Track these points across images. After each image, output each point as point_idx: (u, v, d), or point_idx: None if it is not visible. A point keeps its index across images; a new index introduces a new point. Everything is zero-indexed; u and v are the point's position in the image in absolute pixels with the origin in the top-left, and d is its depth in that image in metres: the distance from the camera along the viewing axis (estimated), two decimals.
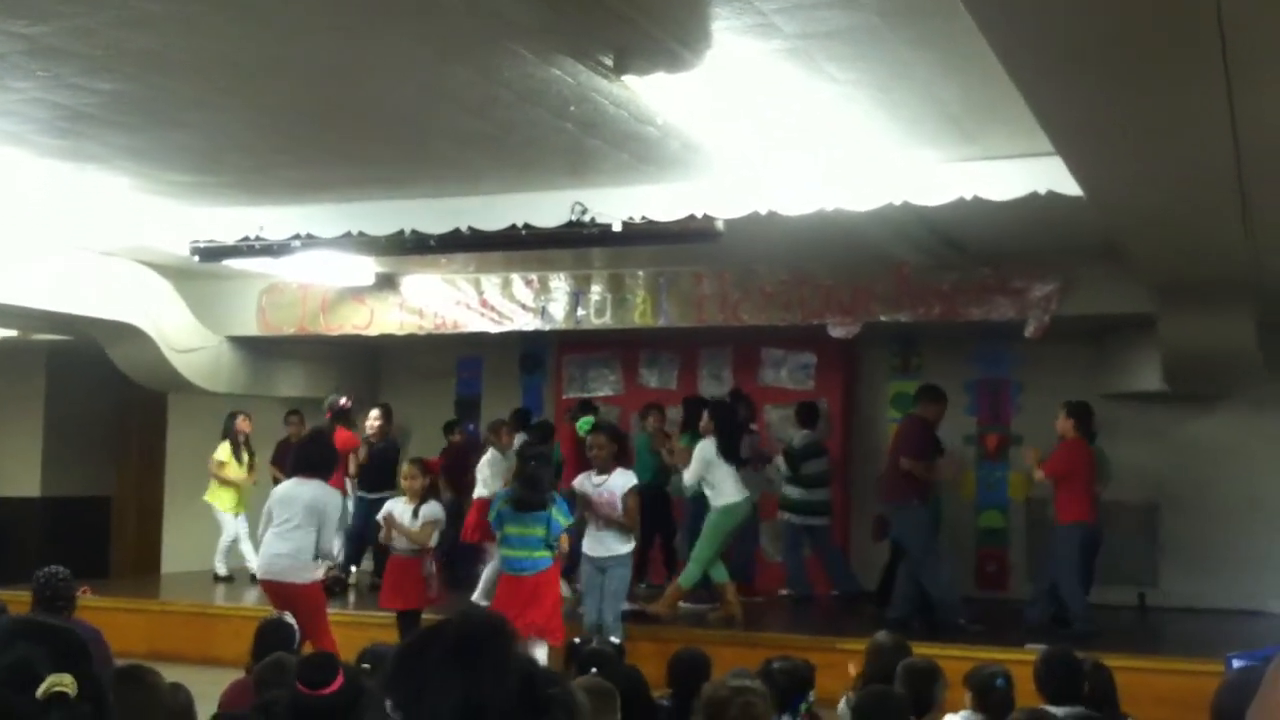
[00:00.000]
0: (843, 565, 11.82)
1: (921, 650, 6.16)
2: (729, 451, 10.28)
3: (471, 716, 1.80)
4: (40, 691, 1.88)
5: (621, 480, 9.03)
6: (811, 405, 11.92)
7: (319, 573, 8.57)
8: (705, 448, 10.28)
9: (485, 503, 10.34)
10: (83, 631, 2.25)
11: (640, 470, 10.24)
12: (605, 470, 9.05)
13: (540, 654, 7.52)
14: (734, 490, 10.25)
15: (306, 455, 8.76)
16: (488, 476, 11.13)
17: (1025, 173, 6.71)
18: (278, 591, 8.27)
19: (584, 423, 10.88)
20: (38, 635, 1.97)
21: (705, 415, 10.71)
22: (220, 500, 12.75)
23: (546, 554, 8.53)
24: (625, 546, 9.09)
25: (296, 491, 8.35)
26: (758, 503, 10.94)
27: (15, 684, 1.89)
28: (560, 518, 8.56)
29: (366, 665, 4.73)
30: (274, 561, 8.28)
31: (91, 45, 5.21)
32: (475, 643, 1.87)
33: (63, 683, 1.89)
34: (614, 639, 7.14)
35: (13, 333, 12.88)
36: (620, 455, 9.37)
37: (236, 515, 12.77)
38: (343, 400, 12.17)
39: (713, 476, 10.23)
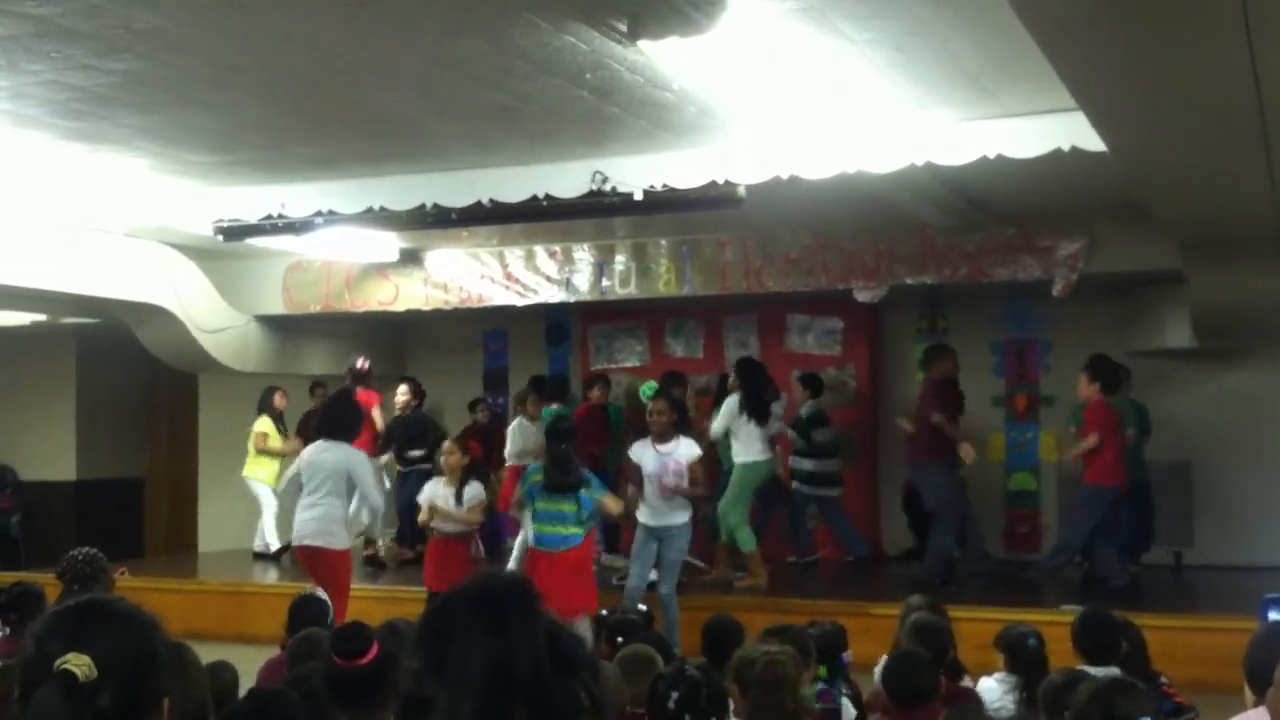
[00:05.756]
0: (852, 530, 11.80)
1: (956, 613, 6.15)
2: (753, 407, 10.29)
3: (500, 676, 1.79)
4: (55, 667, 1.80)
5: (688, 449, 8.92)
6: (815, 375, 11.91)
7: (348, 541, 8.52)
8: (732, 401, 10.39)
9: (516, 470, 10.35)
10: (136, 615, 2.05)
11: None
12: (667, 438, 8.93)
13: (585, 630, 7.44)
14: (758, 449, 10.33)
15: (330, 417, 8.79)
16: (513, 443, 11.19)
17: (1047, 129, 6.63)
18: (307, 555, 8.36)
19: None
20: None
21: (732, 374, 10.86)
22: (259, 473, 12.84)
23: (578, 530, 8.41)
24: (685, 516, 8.95)
25: (321, 457, 8.39)
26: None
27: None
28: (591, 494, 8.44)
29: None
30: (304, 526, 8.35)
31: (101, 25, 5.20)
32: (501, 604, 1.87)
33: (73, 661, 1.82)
34: (669, 609, 6.98)
35: (41, 317, 12.94)
36: (680, 425, 9.24)
37: (276, 488, 12.83)
38: (360, 362, 12.17)
39: (737, 430, 10.30)
